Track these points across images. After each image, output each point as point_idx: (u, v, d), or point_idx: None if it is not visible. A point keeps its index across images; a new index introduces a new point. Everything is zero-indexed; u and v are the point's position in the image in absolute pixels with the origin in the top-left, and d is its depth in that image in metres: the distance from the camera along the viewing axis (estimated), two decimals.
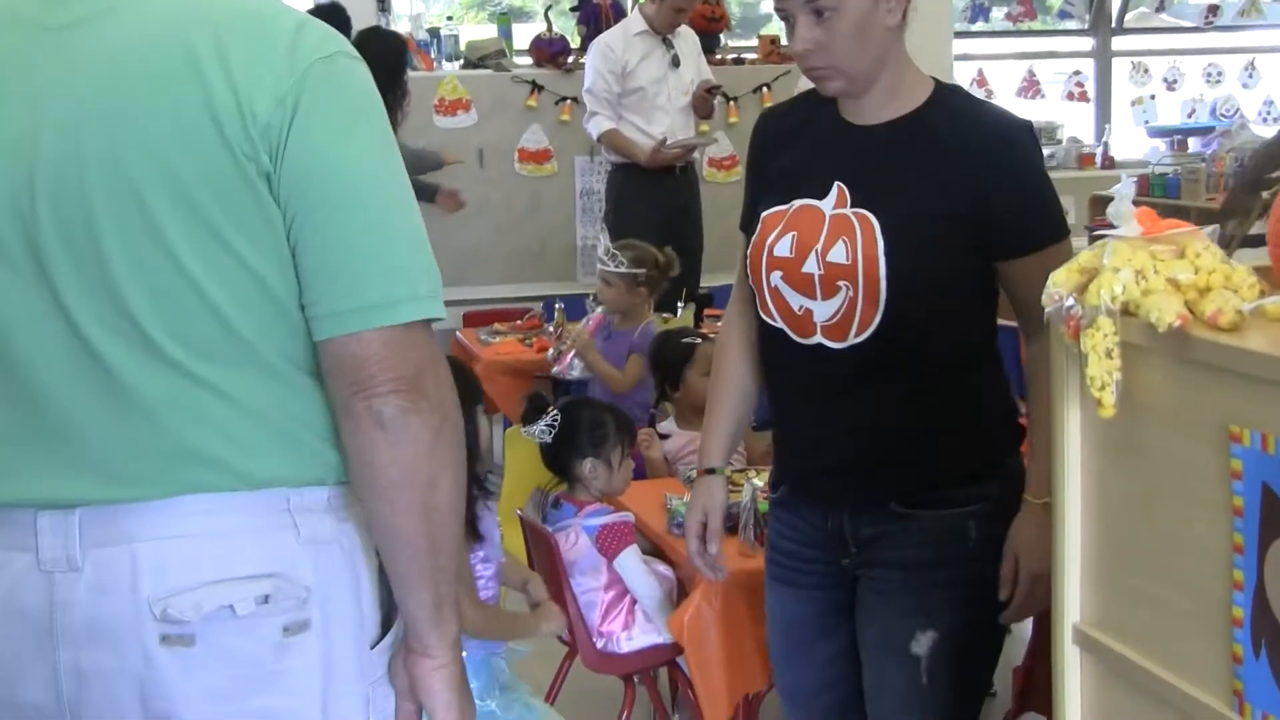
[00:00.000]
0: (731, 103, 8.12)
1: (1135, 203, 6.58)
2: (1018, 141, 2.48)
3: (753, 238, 2.59)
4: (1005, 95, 9.53)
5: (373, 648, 1.78)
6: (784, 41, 8.92)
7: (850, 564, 2.64)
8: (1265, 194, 3.72)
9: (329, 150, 1.65)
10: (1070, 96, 9.79)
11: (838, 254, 2.45)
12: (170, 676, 1.66)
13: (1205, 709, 1.69)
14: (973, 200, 2.43)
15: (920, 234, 2.43)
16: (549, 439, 3.92)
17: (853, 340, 2.46)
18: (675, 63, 7.26)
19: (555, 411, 3.94)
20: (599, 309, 5.57)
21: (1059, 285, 1.80)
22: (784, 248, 2.51)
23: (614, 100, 7.05)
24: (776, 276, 2.51)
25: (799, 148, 2.60)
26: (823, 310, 2.48)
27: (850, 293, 2.44)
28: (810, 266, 2.47)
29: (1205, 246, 1.74)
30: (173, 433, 1.67)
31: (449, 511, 1.72)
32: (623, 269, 5.44)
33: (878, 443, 2.54)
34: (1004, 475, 2.57)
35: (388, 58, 6.10)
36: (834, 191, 2.49)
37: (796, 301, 2.50)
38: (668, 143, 7.04)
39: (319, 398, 1.72)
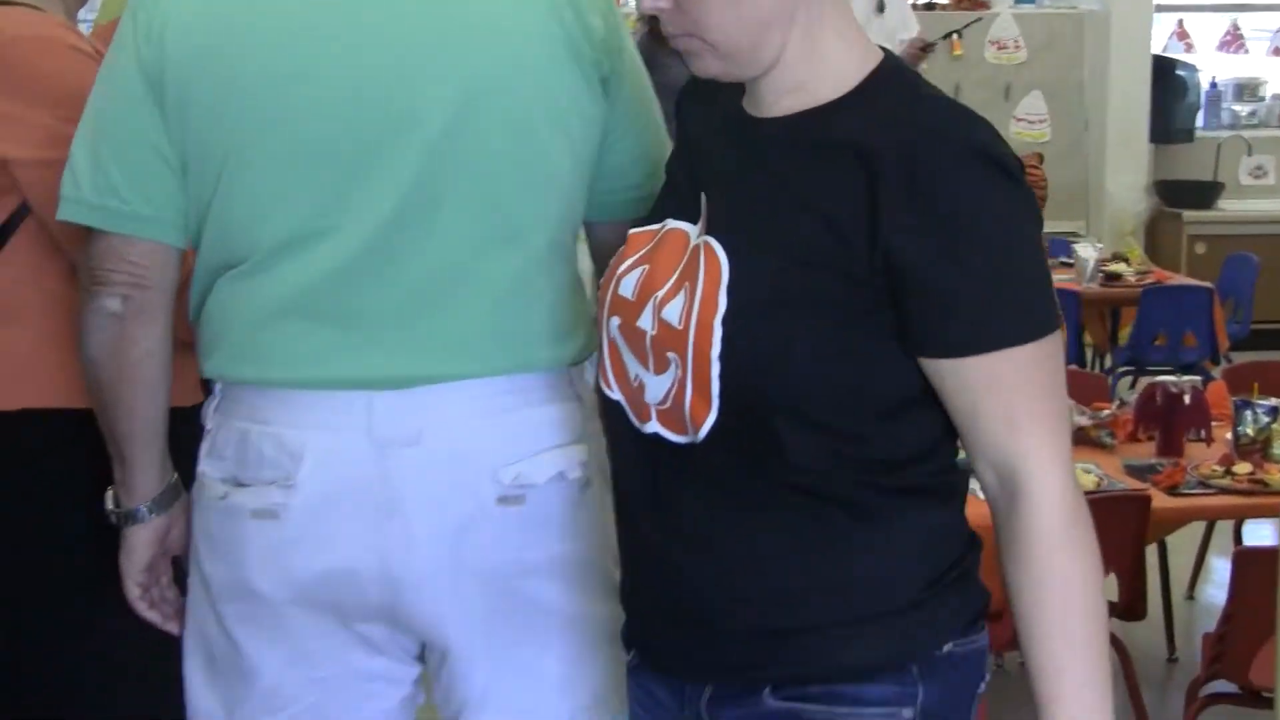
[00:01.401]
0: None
1: None
2: (963, 164, 1.51)
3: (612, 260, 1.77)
4: (1206, 49, 9.29)
5: None
6: None
7: None
8: None
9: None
10: (1276, 52, 9.50)
11: (673, 310, 1.62)
12: (502, 532, 1.87)
13: None
14: (873, 251, 1.52)
15: (784, 293, 1.56)
16: None
17: (694, 436, 1.61)
18: (880, 7, 7.16)
19: None
20: None
21: None
22: (629, 285, 1.69)
23: None
24: (615, 325, 1.69)
25: (695, 141, 1.77)
26: (654, 388, 1.65)
27: (679, 372, 1.61)
28: (645, 321, 1.65)
29: None
30: (506, 315, 1.88)
31: None
32: None
33: (740, 596, 1.64)
34: (943, 671, 1.66)
35: None
36: (703, 211, 1.67)
37: (632, 368, 1.68)
38: None
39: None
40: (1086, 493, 3.49)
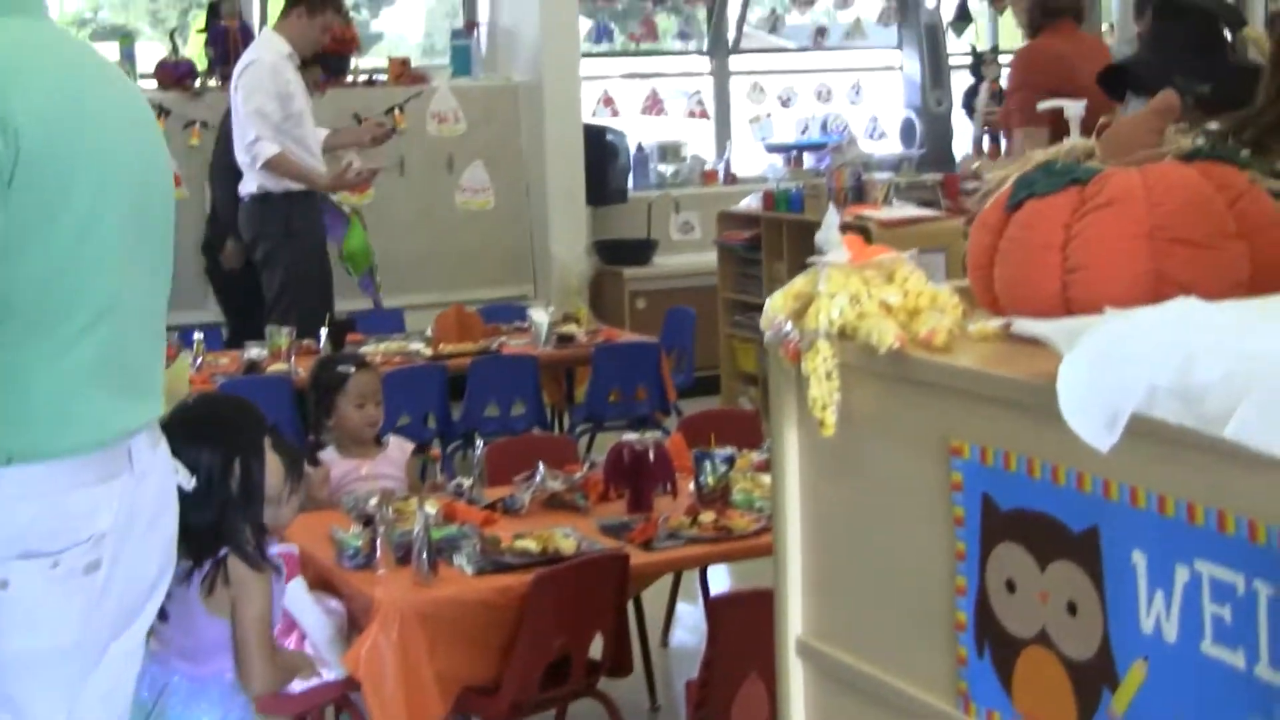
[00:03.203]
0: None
1: (759, 218, 6.84)
2: None
3: None
4: (631, 114, 9.76)
5: None
6: (415, 62, 8.94)
7: None
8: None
9: None
10: (692, 114, 10.08)
11: None
12: None
13: (932, 709, 1.78)
14: None
15: None
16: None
17: None
18: (314, 86, 7.19)
19: None
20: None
21: (776, 311, 1.86)
22: None
23: (279, 124, 6.83)
24: None
25: None
26: None
27: None
28: None
29: (912, 271, 1.83)
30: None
31: None
32: None
33: None
34: None
35: None
36: None
37: None
38: (353, 167, 6.97)
39: None
40: (567, 557, 3.65)
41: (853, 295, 1.80)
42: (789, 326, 1.85)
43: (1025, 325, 1.64)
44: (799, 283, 1.87)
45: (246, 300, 7.17)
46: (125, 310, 2.28)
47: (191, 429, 3.01)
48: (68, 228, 2.16)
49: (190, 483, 2.62)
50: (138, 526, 2.33)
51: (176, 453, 2.57)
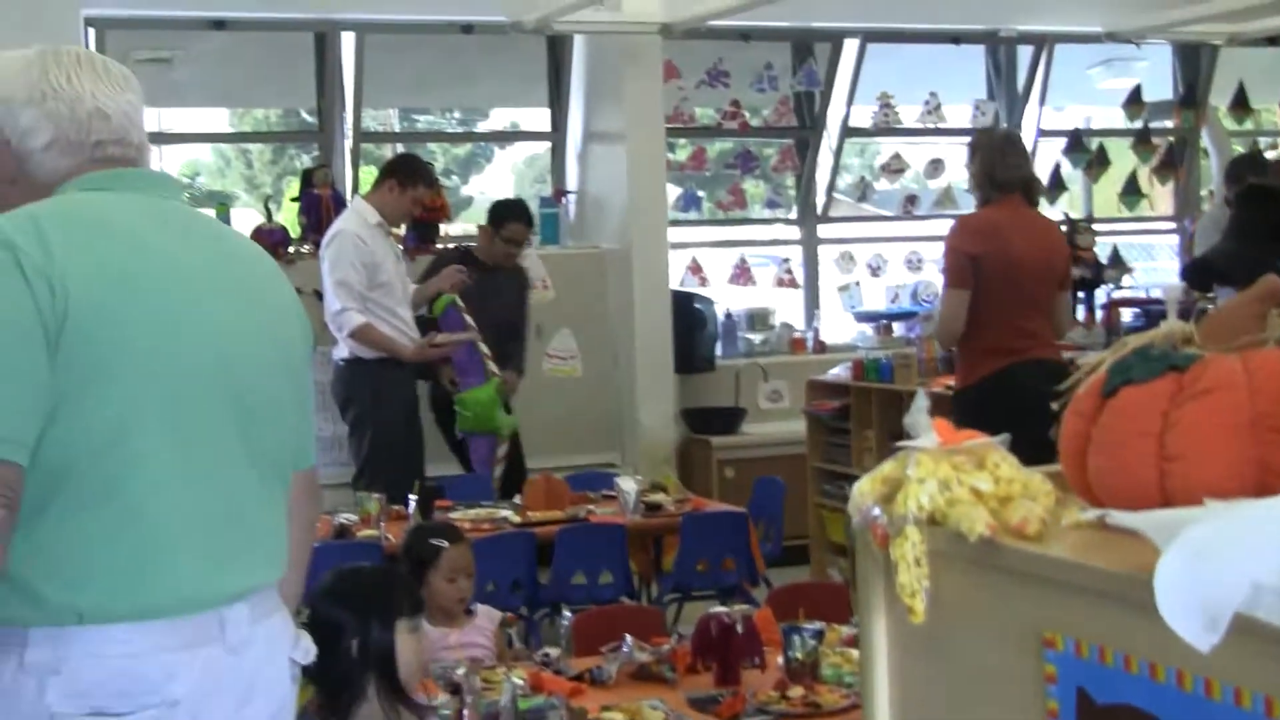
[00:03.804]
0: None
1: (848, 387, 6.83)
2: None
3: None
4: (719, 282, 9.81)
5: None
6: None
7: None
8: None
9: None
10: (780, 283, 10.12)
11: None
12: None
13: None
14: None
15: None
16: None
17: None
18: (400, 254, 7.31)
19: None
20: None
21: (864, 495, 1.84)
22: None
23: (363, 294, 6.95)
24: None
25: None
26: None
27: None
28: None
29: (1003, 457, 1.81)
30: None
31: None
32: None
33: None
34: None
35: None
36: None
37: None
38: (437, 338, 7.06)
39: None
40: None
41: (942, 481, 1.78)
42: (877, 511, 1.82)
43: (1121, 518, 1.61)
44: (887, 467, 1.85)
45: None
46: (209, 475, 2.26)
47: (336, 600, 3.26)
48: (122, 391, 2.16)
49: (309, 657, 2.51)
50: (224, 702, 2.27)
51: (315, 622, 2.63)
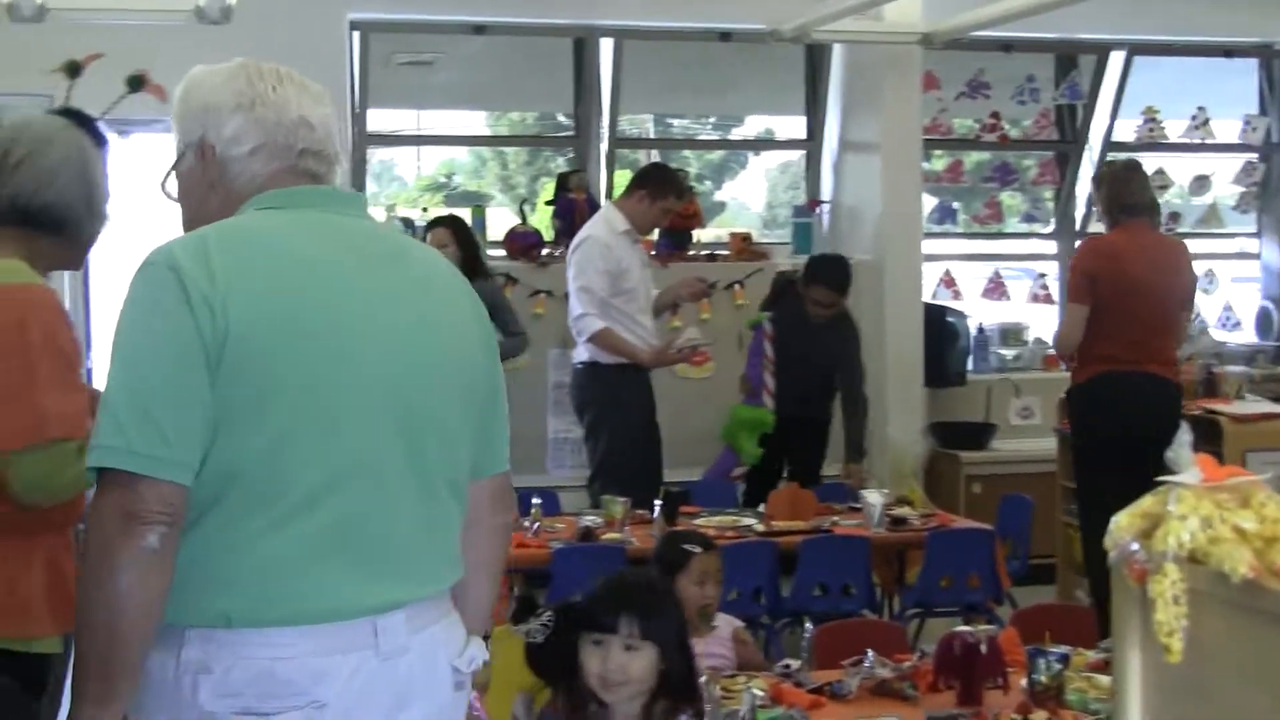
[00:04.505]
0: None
1: None
2: None
3: None
4: (972, 296, 9.69)
5: None
6: (755, 235, 9.10)
7: None
8: None
9: None
10: (1035, 298, 9.95)
11: None
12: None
13: None
14: None
15: None
16: (540, 639, 3.85)
17: None
18: (646, 261, 7.38)
19: (549, 612, 3.88)
20: None
21: (1123, 530, 1.82)
22: None
23: (605, 300, 7.04)
24: None
25: None
26: None
27: None
28: None
29: (1269, 496, 1.77)
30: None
31: None
32: None
33: None
34: None
35: None
36: None
37: None
38: (676, 344, 7.12)
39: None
40: None
41: (1205, 518, 1.75)
42: (1135, 546, 1.80)
43: None
44: (1147, 501, 1.83)
45: None
46: (368, 489, 2.28)
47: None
48: (280, 411, 2.21)
49: (473, 665, 2.50)
50: (375, 707, 2.29)
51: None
